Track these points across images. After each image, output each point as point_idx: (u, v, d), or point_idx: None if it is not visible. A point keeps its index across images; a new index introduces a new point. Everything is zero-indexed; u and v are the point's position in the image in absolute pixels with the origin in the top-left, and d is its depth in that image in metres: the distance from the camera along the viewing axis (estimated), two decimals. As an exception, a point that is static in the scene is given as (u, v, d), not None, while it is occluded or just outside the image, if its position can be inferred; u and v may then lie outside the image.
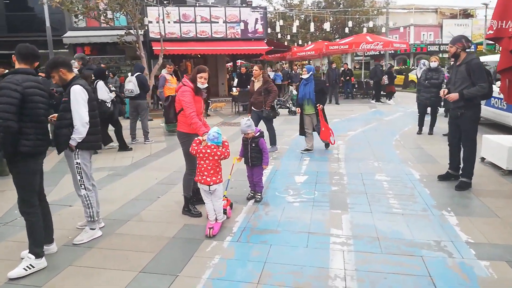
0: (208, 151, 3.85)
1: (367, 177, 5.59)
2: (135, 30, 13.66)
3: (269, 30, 22.57)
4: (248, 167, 4.76)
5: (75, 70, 10.10)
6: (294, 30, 19.70)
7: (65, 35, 16.61)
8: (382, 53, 38.27)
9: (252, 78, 7.41)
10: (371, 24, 20.35)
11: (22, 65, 3.20)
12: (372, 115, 12.60)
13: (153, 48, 17.42)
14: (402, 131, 9.51)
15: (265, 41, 19.73)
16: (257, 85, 7.25)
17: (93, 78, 7.73)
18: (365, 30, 20.00)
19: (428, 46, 42.17)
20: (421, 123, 9.06)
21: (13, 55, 3.19)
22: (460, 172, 5.21)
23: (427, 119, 9.05)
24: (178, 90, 4.39)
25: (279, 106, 13.26)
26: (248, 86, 15.71)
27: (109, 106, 7.52)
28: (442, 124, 9.52)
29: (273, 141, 7.53)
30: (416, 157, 6.74)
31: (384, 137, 8.68)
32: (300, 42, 25.67)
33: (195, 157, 3.96)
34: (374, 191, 4.98)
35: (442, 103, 9.13)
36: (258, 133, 4.69)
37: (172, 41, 18.49)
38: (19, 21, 18.40)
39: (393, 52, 37.81)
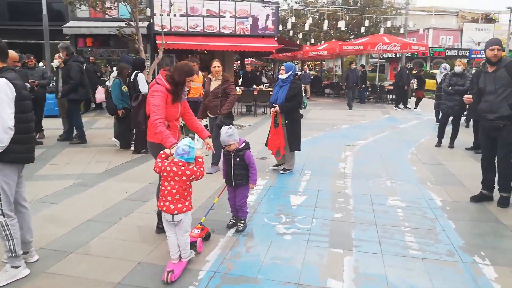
0: (174, 169, 2.97)
1: (378, 201, 4.65)
2: (135, 22, 12.86)
3: (280, 27, 21.63)
4: (231, 187, 3.86)
5: (56, 62, 9.39)
6: (307, 27, 18.69)
7: (65, 25, 15.92)
8: (398, 55, 37.14)
9: (209, 76, 5.93)
10: (388, 24, 19.22)
11: None
12: (385, 122, 11.59)
13: (157, 42, 16.66)
14: (419, 142, 8.51)
15: (276, 39, 18.81)
16: (214, 84, 5.74)
17: (131, 70, 7.04)
18: (382, 30, 18.90)
19: (447, 51, 40.78)
20: (441, 135, 8.05)
21: None
22: (498, 187, 4.64)
23: (448, 129, 8.03)
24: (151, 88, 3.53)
25: (285, 108, 12.33)
26: (254, 86, 15.02)
27: None
28: (464, 136, 8.53)
29: (216, 159, 5.84)
30: (436, 176, 5.76)
31: (398, 149, 7.70)
32: (312, 41, 24.63)
33: None
34: (386, 222, 4.04)
35: (466, 112, 8.11)
36: (243, 144, 3.79)
37: (178, 35, 17.76)
38: (21, 9, 17.79)
39: (409, 55, 36.56)
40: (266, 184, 5.31)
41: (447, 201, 4.69)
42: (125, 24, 13.05)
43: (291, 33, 22.93)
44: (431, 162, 6.64)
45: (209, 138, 3.74)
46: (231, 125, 3.76)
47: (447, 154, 7.36)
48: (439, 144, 8.01)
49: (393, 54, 39.90)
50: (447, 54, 40.09)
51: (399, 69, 17.34)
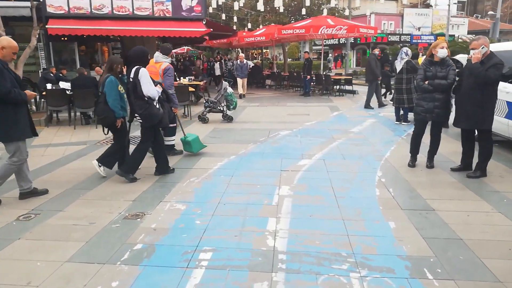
0: None
1: None
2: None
3: (211, 9, 18.53)
4: None
5: None
6: (236, 7, 15.81)
7: None
8: (342, 41, 35.45)
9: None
10: (332, 3, 16.83)
11: None
12: (334, 124, 9.09)
13: (47, 27, 12.97)
14: (384, 158, 6.04)
15: (204, 22, 15.75)
16: None
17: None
18: (325, 12, 16.51)
19: (389, 36, 39.90)
20: (415, 150, 5.59)
21: None
22: None
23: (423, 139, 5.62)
24: None
25: (208, 109, 9.45)
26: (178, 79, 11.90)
27: (158, 107, 5.01)
28: (443, 146, 6.15)
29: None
30: (434, 247, 3.19)
31: (358, 176, 5.14)
32: (249, 26, 21.81)
33: None
34: None
35: (453, 117, 5.60)
36: None
37: (79, 19, 14.21)
38: None
39: (353, 41, 34.96)
40: (103, 310, 2.43)
41: None
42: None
43: (223, 16, 19.91)
44: (415, 206, 4.10)
45: None
46: None
47: (430, 182, 4.90)
48: (413, 163, 5.57)
49: (337, 40, 38.40)
50: (389, 39, 39.21)
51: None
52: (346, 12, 18.10)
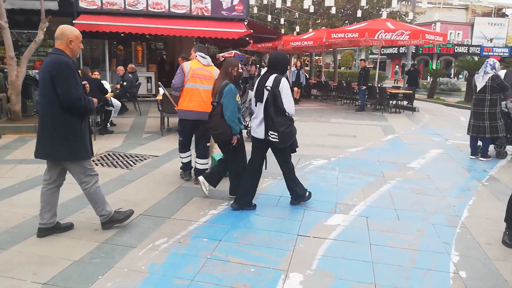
0: None
1: None
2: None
3: (255, 10, 16.96)
4: None
5: None
6: (278, 5, 14.07)
7: None
8: (402, 50, 32.49)
9: None
10: (394, 4, 14.53)
11: None
12: (387, 153, 7.03)
13: (74, 22, 12.10)
14: (460, 221, 3.99)
15: (246, 23, 14.27)
16: None
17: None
18: (384, 15, 14.31)
19: (456, 47, 36.16)
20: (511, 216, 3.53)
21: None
22: None
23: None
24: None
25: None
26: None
27: None
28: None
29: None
30: None
31: (420, 258, 3.15)
32: (298, 29, 19.97)
33: None
34: None
35: None
36: None
37: (112, 15, 13.31)
38: None
39: (414, 50, 31.87)
40: None
41: None
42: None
43: (269, 18, 18.28)
44: None
45: None
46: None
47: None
48: (511, 240, 3.50)
49: (396, 49, 35.40)
50: (456, 50, 35.56)
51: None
52: (409, 17, 15.68)
